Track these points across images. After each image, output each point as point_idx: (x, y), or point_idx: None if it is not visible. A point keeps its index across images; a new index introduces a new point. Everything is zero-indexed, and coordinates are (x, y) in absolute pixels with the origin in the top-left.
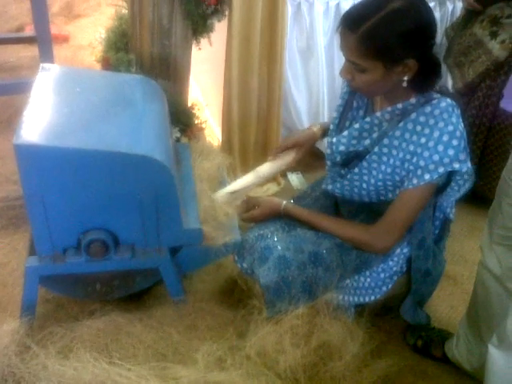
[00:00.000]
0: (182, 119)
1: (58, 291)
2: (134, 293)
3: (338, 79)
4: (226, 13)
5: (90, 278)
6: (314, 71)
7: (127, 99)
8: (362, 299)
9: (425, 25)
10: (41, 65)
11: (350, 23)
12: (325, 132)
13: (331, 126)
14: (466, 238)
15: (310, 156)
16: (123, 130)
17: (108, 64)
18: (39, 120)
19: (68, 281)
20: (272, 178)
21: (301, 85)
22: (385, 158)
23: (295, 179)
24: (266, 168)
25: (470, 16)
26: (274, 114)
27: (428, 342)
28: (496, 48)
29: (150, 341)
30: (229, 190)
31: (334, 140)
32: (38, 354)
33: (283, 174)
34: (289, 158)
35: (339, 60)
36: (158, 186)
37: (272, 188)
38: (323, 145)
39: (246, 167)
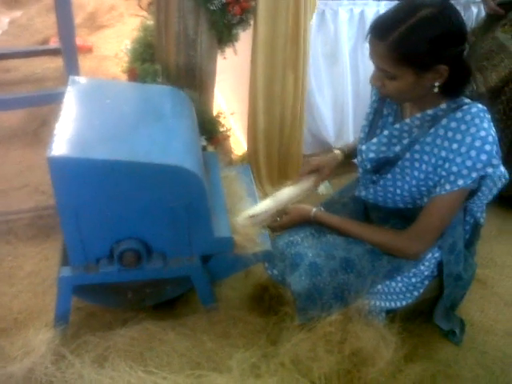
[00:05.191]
0: (207, 128)
1: (90, 300)
2: (166, 301)
3: (362, 85)
4: (251, 22)
5: (121, 286)
6: (338, 78)
7: (157, 110)
8: (393, 304)
9: (454, 30)
10: (70, 77)
11: (379, 32)
12: (347, 153)
13: (361, 134)
14: (495, 241)
15: None
16: (154, 141)
17: (134, 74)
18: (71, 132)
19: (100, 290)
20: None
21: (325, 92)
22: (417, 164)
23: (321, 185)
24: (285, 192)
25: (491, 20)
26: (296, 122)
27: None
28: None
29: (183, 349)
30: (249, 214)
31: (364, 147)
32: (73, 363)
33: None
34: (309, 183)
35: (364, 66)
36: (190, 196)
37: None
38: None
39: (272, 175)
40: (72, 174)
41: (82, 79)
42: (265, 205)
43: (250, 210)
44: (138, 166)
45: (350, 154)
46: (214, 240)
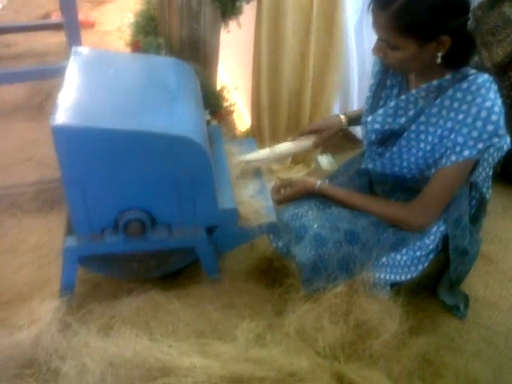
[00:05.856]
0: (211, 102)
1: (95, 270)
2: (171, 272)
3: (368, 60)
4: None
5: (126, 257)
6: (343, 53)
7: (161, 81)
8: (398, 277)
9: (457, 0)
10: (72, 48)
11: (381, 2)
12: (351, 120)
13: (365, 106)
14: (500, 217)
15: (339, 137)
16: (159, 112)
17: (138, 47)
18: (75, 102)
19: (105, 260)
20: (287, 158)
21: None
22: (423, 136)
23: (325, 161)
24: (283, 146)
25: None
26: (304, 96)
27: None
28: None
29: (188, 318)
30: (244, 159)
31: (369, 119)
32: (79, 332)
33: (313, 155)
34: (308, 141)
35: (369, 39)
36: (194, 167)
37: (302, 170)
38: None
39: None
40: (76, 144)
41: (84, 50)
42: (261, 153)
43: (247, 155)
44: (143, 135)
45: (354, 119)
46: (219, 211)
